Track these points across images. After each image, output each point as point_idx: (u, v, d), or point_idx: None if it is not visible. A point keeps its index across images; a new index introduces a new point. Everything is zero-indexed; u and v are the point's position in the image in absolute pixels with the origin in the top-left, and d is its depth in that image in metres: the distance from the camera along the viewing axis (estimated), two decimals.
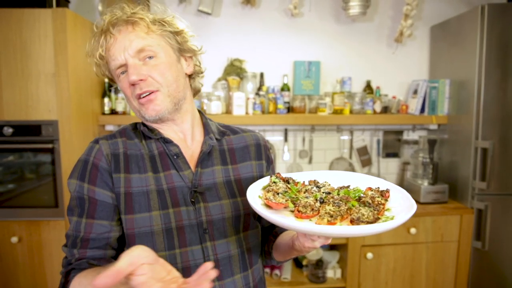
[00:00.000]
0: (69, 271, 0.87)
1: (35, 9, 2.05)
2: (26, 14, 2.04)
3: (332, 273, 2.56)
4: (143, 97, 0.92)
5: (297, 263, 2.72)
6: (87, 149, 0.95)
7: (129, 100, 0.96)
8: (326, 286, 2.53)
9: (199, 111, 1.09)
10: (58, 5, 2.16)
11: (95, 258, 0.91)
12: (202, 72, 1.06)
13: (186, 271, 0.92)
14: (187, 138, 1.02)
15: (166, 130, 1.00)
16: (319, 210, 0.83)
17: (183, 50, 0.99)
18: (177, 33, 0.97)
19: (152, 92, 0.92)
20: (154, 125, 1.00)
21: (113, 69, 0.94)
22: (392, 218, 0.79)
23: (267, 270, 2.63)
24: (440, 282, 2.50)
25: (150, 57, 0.92)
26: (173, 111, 0.96)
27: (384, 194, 0.89)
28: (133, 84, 0.91)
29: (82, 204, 0.92)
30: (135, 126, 1.03)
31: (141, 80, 0.90)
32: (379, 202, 0.85)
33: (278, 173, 0.97)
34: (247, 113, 2.62)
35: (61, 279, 0.88)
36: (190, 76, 1.03)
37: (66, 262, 0.92)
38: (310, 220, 0.82)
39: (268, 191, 0.88)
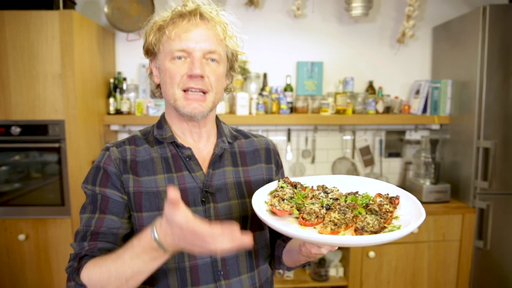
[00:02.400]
0: (82, 257, 0.89)
1: (42, 11, 2.09)
2: (33, 16, 2.08)
3: (335, 271, 2.58)
4: (193, 92, 0.94)
5: None
6: (99, 156, 1.00)
7: (170, 85, 0.95)
8: (329, 284, 2.55)
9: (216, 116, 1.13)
10: (65, 7, 2.21)
11: (105, 250, 0.92)
12: (230, 90, 1.11)
13: (194, 270, 0.94)
14: (202, 141, 1.05)
15: (184, 131, 1.03)
16: (324, 218, 0.82)
17: (231, 67, 1.05)
18: (235, 51, 1.03)
19: (203, 92, 0.95)
20: (177, 124, 1.02)
21: (174, 49, 0.93)
22: (398, 228, 0.77)
23: None
24: (442, 281, 2.51)
25: (213, 60, 0.96)
26: (205, 116, 1.00)
27: (393, 201, 0.87)
28: (190, 76, 0.93)
29: (95, 201, 0.95)
30: (146, 132, 1.06)
31: (201, 76, 0.93)
32: (387, 210, 0.83)
33: (287, 177, 0.98)
34: (250, 113, 2.65)
35: (73, 264, 0.88)
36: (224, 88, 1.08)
37: (74, 256, 0.93)
38: (314, 228, 0.81)
39: (274, 197, 0.88)
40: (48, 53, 2.11)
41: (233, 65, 1.05)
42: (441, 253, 2.49)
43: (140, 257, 0.79)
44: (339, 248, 2.69)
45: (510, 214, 2.42)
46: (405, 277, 2.50)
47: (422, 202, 2.48)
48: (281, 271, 2.61)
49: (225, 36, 0.98)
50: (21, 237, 2.20)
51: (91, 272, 0.85)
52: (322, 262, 2.55)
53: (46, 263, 2.25)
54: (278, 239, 1.13)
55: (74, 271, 0.87)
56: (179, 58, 0.94)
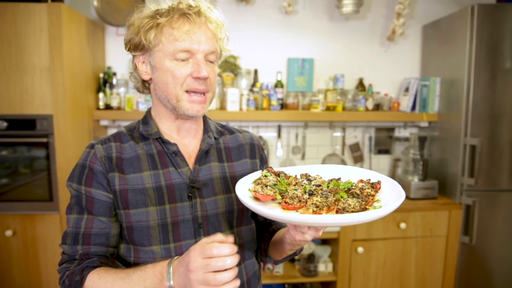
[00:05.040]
0: (83, 268, 0.91)
1: (30, 3, 2.05)
2: (21, 8, 2.04)
3: (324, 267, 2.60)
4: (196, 94, 0.95)
5: None
6: (84, 154, 0.99)
7: (173, 85, 0.94)
8: (318, 279, 2.57)
9: None
10: None
11: (99, 255, 0.94)
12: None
13: None
14: (188, 137, 1.05)
15: (172, 128, 1.03)
16: (306, 202, 0.84)
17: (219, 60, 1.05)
18: (224, 47, 1.03)
19: (204, 93, 0.97)
20: (165, 121, 1.02)
21: (178, 49, 0.92)
22: (380, 208, 0.79)
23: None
24: (428, 276, 2.56)
25: (211, 61, 0.97)
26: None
27: (375, 186, 0.89)
28: (197, 78, 0.93)
29: (80, 202, 0.95)
30: (131, 128, 1.05)
31: (206, 78, 0.94)
32: (369, 193, 0.85)
33: (270, 167, 0.99)
34: (241, 109, 2.65)
35: (75, 277, 0.90)
36: None
37: (67, 258, 0.95)
38: (297, 211, 0.82)
39: (257, 184, 0.90)
40: (36, 46, 2.08)
41: (220, 57, 1.06)
42: (428, 248, 2.53)
43: (146, 281, 0.82)
44: (328, 244, 2.72)
45: (495, 210, 2.47)
46: (393, 272, 2.54)
47: (410, 199, 2.57)
48: (270, 266, 2.62)
49: (220, 37, 0.99)
50: (8, 233, 2.17)
51: (95, 284, 0.87)
52: (311, 258, 2.57)
53: (34, 259, 2.23)
54: (264, 232, 1.15)
55: (77, 284, 0.89)
56: (182, 59, 0.93)
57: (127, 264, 0.98)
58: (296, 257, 2.69)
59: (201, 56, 0.94)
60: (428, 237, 2.52)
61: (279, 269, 2.62)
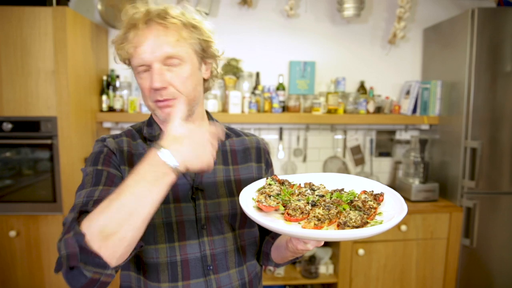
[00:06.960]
0: (83, 211, 0.81)
1: (35, 7, 2.08)
2: (26, 12, 2.08)
3: (325, 269, 2.61)
4: (162, 100, 0.92)
5: None
6: (96, 146, 0.99)
7: (144, 98, 0.97)
8: (319, 281, 2.58)
9: (207, 112, 1.13)
10: (58, 3, 2.20)
11: None
12: (217, 77, 1.08)
13: (185, 264, 0.97)
14: None
15: None
16: (309, 213, 0.84)
17: (206, 56, 0.99)
18: (204, 40, 0.96)
19: (172, 100, 0.92)
20: (165, 126, 1.01)
21: (135, 65, 0.92)
22: (380, 223, 0.78)
23: None
24: (429, 278, 2.56)
25: (175, 65, 0.91)
26: (186, 116, 0.96)
27: (377, 198, 0.89)
28: (154, 89, 0.91)
29: (99, 175, 0.91)
30: (138, 129, 1.07)
31: (164, 87, 0.90)
32: (371, 206, 0.84)
33: (275, 175, 0.99)
34: (243, 111, 2.67)
35: (74, 215, 0.79)
36: (205, 79, 1.04)
37: (69, 224, 0.78)
38: (299, 223, 0.82)
39: (261, 194, 0.90)
40: (41, 49, 2.11)
41: (206, 53, 0.99)
42: (429, 250, 2.54)
43: (144, 178, 0.74)
44: (329, 246, 2.73)
45: (496, 213, 2.48)
46: (394, 274, 2.54)
47: (411, 201, 2.58)
48: (271, 267, 2.63)
49: (181, 34, 0.91)
50: (12, 233, 2.20)
51: (91, 216, 0.74)
52: (312, 260, 2.58)
53: (38, 260, 2.25)
54: (267, 236, 1.16)
55: (74, 221, 0.77)
56: (144, 71, 0.92)
57: (132, 261, 0.99)
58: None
59: (156, 65, 0.89)
60: (429, 240, 2.52)
61: (280, 270, 2.63)
